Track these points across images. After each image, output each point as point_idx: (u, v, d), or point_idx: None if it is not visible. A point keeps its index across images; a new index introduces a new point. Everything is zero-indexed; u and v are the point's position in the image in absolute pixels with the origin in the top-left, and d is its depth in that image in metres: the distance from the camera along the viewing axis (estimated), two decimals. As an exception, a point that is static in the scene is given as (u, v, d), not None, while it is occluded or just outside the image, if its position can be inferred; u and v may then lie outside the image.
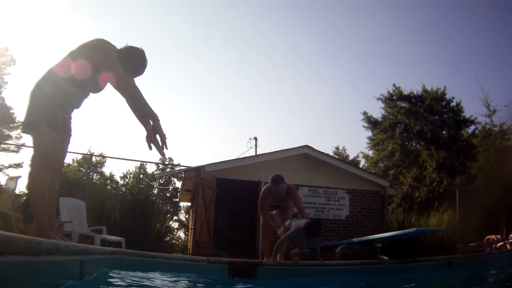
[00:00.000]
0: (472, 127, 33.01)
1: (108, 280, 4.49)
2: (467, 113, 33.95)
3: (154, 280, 5.32)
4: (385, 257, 11.71)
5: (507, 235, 14.97)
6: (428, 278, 7.35)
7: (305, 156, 16.23)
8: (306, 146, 16.31)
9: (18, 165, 33.42)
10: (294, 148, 16.28)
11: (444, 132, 33.77)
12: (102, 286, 4.11)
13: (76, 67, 4.96)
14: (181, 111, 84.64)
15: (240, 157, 16.87)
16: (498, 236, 15.20)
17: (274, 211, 8.49)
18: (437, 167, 30.63)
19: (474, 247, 14.80)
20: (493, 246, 14.62)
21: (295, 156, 16.10)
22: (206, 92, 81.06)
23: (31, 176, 5.05)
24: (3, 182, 14.44)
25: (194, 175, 15.02)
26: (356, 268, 8.07)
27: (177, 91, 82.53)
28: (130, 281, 4.79)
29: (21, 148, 28.87)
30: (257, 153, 29.01)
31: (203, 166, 14.94)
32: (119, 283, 4.49)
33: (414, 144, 35.70)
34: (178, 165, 23.22)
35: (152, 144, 4.82)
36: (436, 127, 33.54)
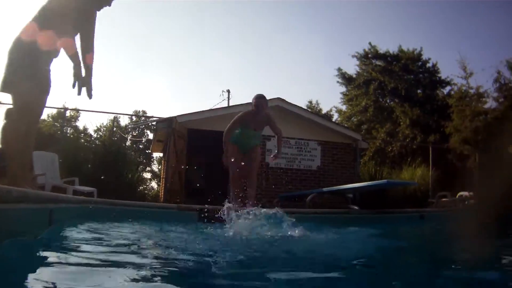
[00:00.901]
0: (448, 88, 32.68)
1: (79, 228, 4.50)
2: (443, 75, 33.81)
3: (124, 227, 5.30)
4: (356, 207, 11.82)
5: (480, 194, 15.09)
6: (399, 230, 7.37)
7: (278, 108, 16.04)
8: (279, 99, 16.23)
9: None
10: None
11: (419, 91, 33.59)
12: (72, 234, 4.07)
13: (42, 39, 4.99)
14: (156, 65, 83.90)
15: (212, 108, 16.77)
16: (471, 193, 15.32)
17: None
18: (410, 124, 30.58)
19: (446, 202, 14.92)
20: (466, 203, 14.78)
21: (268, 108, 15.65)
22: (179, 45, 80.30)
23: (6, 128, 5.07)
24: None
25: (166, 125, 15.04)
26: (325, 217, 8.23)
27: (151, 44, 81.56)
28: (101, 229, 4.80)
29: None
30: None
31: (175, 117, 14.90)
32: (89, 231, 4.50)
33: (388, 101, 35.43)
34: (152, 117, 23.05)
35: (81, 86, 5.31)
36: (411, 86, 33.29)
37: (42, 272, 2.42)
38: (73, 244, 3.57)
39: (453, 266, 3.31)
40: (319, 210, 9.80)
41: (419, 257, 3.98)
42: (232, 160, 8.56)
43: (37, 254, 2.91)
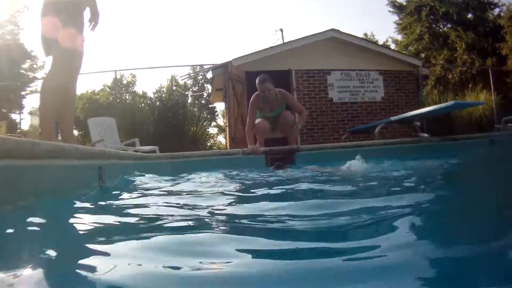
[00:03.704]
0: (497, 10, 32.24)
1: (134, 187, 3.90)
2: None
3: (188, 180, 4.80)
4: (426, 135, 11.23)
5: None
6: (471, 156, 6.84)
7: (333, 40, 15.38)
8: (333, 30, 15.41)
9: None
10: (320, 32, 15.33)
11: (470, 14, 33.00)
12: (125, 191, 3.50)
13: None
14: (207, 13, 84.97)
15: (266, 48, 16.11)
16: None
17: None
18: (467, 49, 30.18)
19: (513, 128, 14.22)
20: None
21: (323, 41, 15.24)
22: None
23: (44, 84, 5.17)
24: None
25: (222, 71, 14.53)
26: (397, 147, 7.94)
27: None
28: (161, 185, 4.22)
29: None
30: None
31: (230, 61, 14.33)
32: (148, 188, 3.89)
33: (441, 26, 34.94)
34: (206, 65, 22.69)
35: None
36: (461, 9, 32.68)
37: (83, 233, 1.90)
38: (126, 201, 2.98)
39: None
40: (388, 140, 9.26)
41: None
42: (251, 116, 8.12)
43: (81, 214, 2.35)
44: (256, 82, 7.87)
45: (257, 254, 1.41)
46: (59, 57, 5.06)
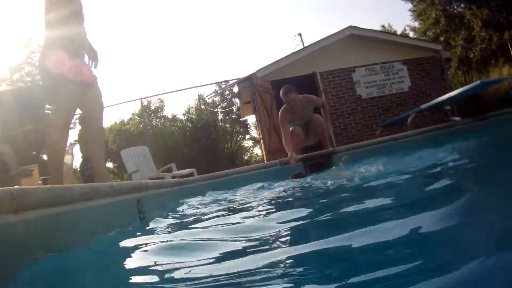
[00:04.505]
0: None
1: (175, 214, 3.92)
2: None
3: (230, 199, 4.77)
4: (458, 118, 11.07)
5: None
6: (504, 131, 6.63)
7: (352, 37, 15.22)
8: (351, 27, 15.27)
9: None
10: (338, 32, 15.22)
11: None
12: (168, 223, 3.39)
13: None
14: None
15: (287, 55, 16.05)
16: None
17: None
18: (483, 25, 29.78)
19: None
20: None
21: (342, 40, 15.11)
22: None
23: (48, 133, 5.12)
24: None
25: (248, 84, 14.42)
26: (430, 135, 7.93)
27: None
28: (202, 208, 4.19)
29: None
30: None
31: (254, 73, 14.27)
32: (188, 214, 3.89)
33: (455, 7, 34.40)
34: (230, 81, 22.74)
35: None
36: None
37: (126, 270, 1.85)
38: (169, 232, 2.91)
39: None
40: (420, 130, 9.09)
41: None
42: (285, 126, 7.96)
43: (125, 251, 2.24)
44: (281, 94, 7.81)
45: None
46: (66, 95, 5.01)
